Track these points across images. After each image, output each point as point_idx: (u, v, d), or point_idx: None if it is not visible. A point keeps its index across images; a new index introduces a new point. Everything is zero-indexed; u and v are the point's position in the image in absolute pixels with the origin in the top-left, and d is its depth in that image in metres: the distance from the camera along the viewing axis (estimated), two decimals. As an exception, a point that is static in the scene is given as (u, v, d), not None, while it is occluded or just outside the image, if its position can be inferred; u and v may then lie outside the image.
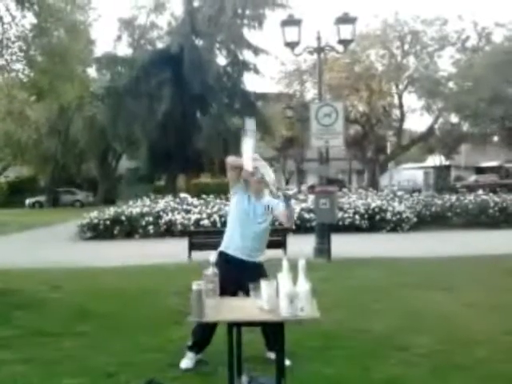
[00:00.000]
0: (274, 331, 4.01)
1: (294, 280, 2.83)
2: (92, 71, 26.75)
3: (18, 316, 5.71)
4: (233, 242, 3.97)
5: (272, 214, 3.95)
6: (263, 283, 2.92)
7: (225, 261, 3.82)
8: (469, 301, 5.96)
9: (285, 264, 2.85)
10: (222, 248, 4.02)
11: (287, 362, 3.86)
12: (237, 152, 3.87)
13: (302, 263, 2.82)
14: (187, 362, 4.07)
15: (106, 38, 70.91)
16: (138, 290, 6.97)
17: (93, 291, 7.03)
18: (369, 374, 3.83)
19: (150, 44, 32.18)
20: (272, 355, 4.02)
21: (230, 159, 3.95)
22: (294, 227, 3.96)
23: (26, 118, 11.86)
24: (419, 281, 7.18)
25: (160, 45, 30.60)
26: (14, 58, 11.50)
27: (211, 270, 3.28)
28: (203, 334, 4.03)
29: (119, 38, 32.29)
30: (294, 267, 2.84)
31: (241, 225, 3.95)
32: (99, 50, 27.35)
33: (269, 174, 3.68)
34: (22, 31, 11.44)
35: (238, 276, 3.72)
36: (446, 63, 39.87)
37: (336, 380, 3.72)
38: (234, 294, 3.69)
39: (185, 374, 3.90)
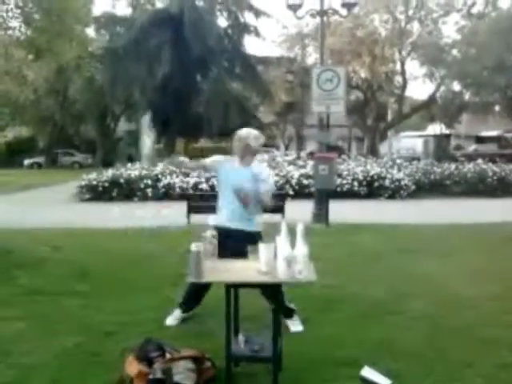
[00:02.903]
0: (268, 295, 4.09)
1: (293, 244, 2.85)
2: (91, 31, 26.22)
3: (18, 275, 5.77)
4: None
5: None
6: (262, 246, 2.95)
7: None
8: (464, 267, 6.04)
9: (283, 227, 2.87)
10: None
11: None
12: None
13: (300, 227, 2.84)
14: (172, 319, 4.20)
15: (105, -4, 69.21)
16: (137, 252, 7.03)
17: (92, 252, 7.09)
18: (363, 336, 3.91)
19: (150, 4, 31.47)
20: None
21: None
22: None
23: (23, 78, 11.68)
24: (416, 247, 7.24)
25: (160, 5, 29.94)
26: (11, 14, 11.22)
27: (210, 232, 3.31)
28: (196, 294, 4.12)
29: (118, -4, 31.58)
30: (292, 232, 2.86)
31: None
32: (98, 10, 26.82)
33: None
34: (19, -13, 11.14)
35: None
36: (450, 30, 39.29)
37: (330, 341, 3.80)
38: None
39: (182, 334, 3.97)
